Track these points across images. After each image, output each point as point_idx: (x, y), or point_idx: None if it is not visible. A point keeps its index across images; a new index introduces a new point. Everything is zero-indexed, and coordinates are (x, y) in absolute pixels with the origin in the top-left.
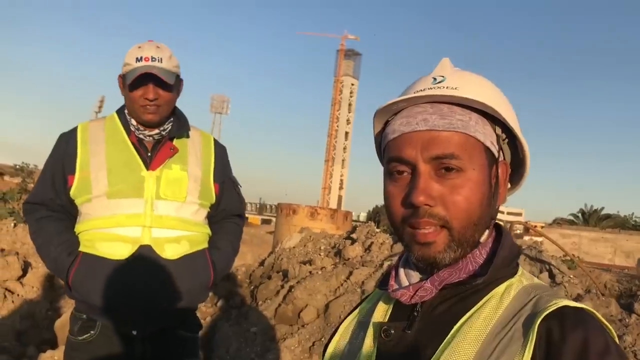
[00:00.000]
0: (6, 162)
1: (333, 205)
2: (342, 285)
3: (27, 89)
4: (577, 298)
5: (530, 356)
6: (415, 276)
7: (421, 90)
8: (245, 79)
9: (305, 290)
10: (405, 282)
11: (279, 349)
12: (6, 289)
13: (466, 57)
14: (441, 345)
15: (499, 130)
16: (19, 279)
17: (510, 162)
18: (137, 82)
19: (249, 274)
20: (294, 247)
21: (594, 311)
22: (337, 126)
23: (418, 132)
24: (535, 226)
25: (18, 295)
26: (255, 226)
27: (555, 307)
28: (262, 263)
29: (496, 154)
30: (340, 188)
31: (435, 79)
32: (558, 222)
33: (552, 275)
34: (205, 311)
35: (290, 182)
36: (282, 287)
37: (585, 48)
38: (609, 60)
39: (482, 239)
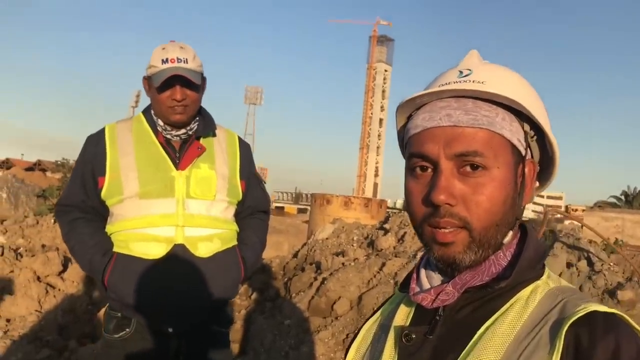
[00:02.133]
0: (49, 159)
1: (369, 192)
2: (375, 276)
3: (66, 85)
4: (617, 287)
5: None
6: (437, 278)
7: (446, 84)
8: (278, 69)
9: (338, 282)
10: (426, 285)
11: (312, 341)
12: (48, 284)
13: (501, 43)
14: (464, 352)
15: (527, 127)
16: (60, 274)
17: (539, 160)
18: (165, 84)
19: (283, 266)
20: (326, 239)
21: (625, 315)
22: (371, 113)
23: (441, 128)
24: (576, 210)
25: (59, 290)
26: (291, 215)
27: (583, 312)
28: (295, 255)
29: (523, 152)
30: (376, 175)
31: (461, 72)
32: (599, 205)
33: (590, 263)
34: (240, 304)
35: (325, 171)
36: (315, 279)
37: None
38: None
39: (506, 240)
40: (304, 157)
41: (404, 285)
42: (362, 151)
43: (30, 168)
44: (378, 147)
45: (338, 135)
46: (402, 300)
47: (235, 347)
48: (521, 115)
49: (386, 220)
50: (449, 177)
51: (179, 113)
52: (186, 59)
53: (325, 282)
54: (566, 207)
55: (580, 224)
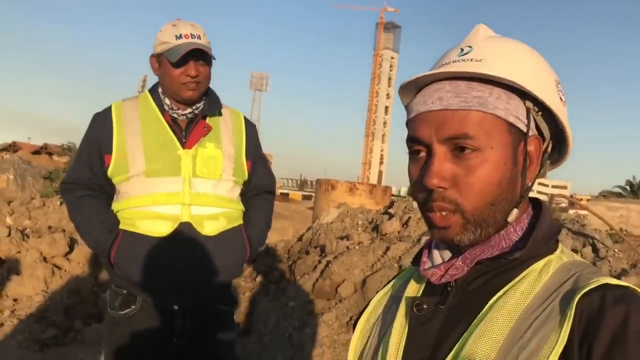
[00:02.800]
0: (55, 142)
1: (373, 180)
2: (379, 260)
3: (73, 70)
4: (622, 273)
5: (568, 333)
6: (448, 253)
7: (445, 64)
8: (284, 55)
9: (343, 266)
10: (438, 260)
11: (316, 323)
12: (54, 264)
13: (510, 26)
14: (475, 320)
15: (529, 104)
16: (66, 255)
17: (552, 135)
18: (182, 59)
19: (288, 249)
20: (331, 223)
21: (638, 289)
22: (377, 101)
23: (433, 112)
24: (581, 199)
25: (65, 270)
26: (296, 202)
27: (595, 285)
28: (300, 238)
29: (524, 129)
30: (381, 163)
31: (462, 49)
32: (604, 195)
33: (595, 250)
34: (245, 286)
35: (331, 158)
36: (320, 262)
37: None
38: None
39: (511, 218)
40: (309, 144)
41: (416, 259)
42: (367, 139)
43: (37, 151)
44: (383, 135)
45: (344, 122)
46: (414, 273)
47: (239, 329)
48: (522, 91)
49: (391, 205)
50: (442, 160)
51: (192, 89)
52: (199, 35)
53: (330, 265)
54: (571, 196)
55: (586, 212)
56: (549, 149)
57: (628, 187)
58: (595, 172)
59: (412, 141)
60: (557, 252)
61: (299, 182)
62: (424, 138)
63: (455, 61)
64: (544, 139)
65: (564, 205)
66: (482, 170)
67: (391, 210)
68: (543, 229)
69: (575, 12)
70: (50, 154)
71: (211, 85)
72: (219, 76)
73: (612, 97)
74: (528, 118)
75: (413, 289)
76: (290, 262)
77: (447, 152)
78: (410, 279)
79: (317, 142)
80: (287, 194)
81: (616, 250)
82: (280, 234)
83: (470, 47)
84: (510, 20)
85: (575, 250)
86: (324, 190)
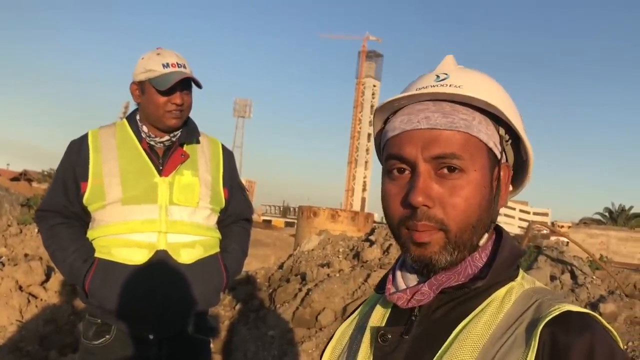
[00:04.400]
0: (35, 169)
1: (356, 207)
2: (359, 287)
3: (54, 97)
4: (600, 299)
5: None
6: (413, 279)
7: (424, 88)
8: (267, 83)
9: (323, 293)
10: (402, 286)
11: (296, 352)
12: (30, 293)
13: (490, 59)
14: (439, 351)
15: (502, 131)
16: (42, 283)
17: (513, 164)
18: (172, 87)
19: (268, 277)
20: (312, 250)
21: (597, 315)
22: (360, 128)
23: (419, 131)
24: (562, 226)
25: (41, 299)
26: (278, 229)
27: (558, 312)
28: (281, 266)
29: (499, 156)
30: (364, 190)
31: (438, 76)
32: (585, 222)
33: (574, 276)
34: (224, 315)
35: (313, 185)
36: (300, 290)
37: (619, 37)
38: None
39: (482, 242)
40: (292, 170)
41: (380, 286)
42: (350, 165)
43: (16, 178)
44: (366, 162)
45: (327, 149)
46: (379, 301)
47: (218, 358)
48: (496, 119)
49: (372, 232)
50: (427, 179)
51: (176, 117)
52: (184, 65)
53: (310, 293)
54: (552, 223)
55: (566, 240)
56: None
57: (607, 214)
58: (576, 200)
59: (396, 158)
60: (518, 278)
61: (281, 209)
62: (409, 156)
63: (434, 85)
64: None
65: (545, 232)
66: (467, 190)
67: (372, 237)
68: (504, 255)
69: (554, 35)
70: (29, 180)
71: (194, 111)
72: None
73: (593, 127)
74: (502, 145)
75: (377, 318)
76: (271, 290)
77: (431, 171)
78: (375, 306)
79: (300, 169)
80: (270, 221)
81: (594, 277)
82: (261, 261)
83: (446, 74)
84: (493, 48)
85: (554, 277)
86: (306, 217)
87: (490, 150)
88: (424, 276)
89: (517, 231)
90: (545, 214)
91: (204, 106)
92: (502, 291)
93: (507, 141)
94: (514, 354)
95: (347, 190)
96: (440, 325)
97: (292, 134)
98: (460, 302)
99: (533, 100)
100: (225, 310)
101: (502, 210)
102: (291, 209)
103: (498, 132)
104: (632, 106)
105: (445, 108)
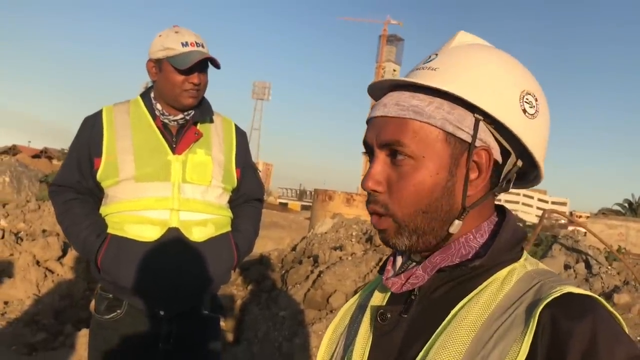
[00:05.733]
0: (55, 146)
1: None
2: (371, 271)
3: (74, 75)
4: (614, 290)
5: (529, 343)
6: (410, 261)
7: (411, 71)
8: (286, 65)
9: (335, 276)
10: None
11: (306, 333)
12: (47, 268)
13: (511, 40)
14: (437, 330)
15: (478, 115)
16: (59, 259)
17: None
18: (191, 67)
19: (281, 259)
20: (325, 233)
21: (600, 298)
22: None
23: (376, 118)
24: (580, 216)
25: (57, 274)
26: (295, 212)
27: (558, 294)
28: (294, 248)
29: (469, 140)
30: None
31: (430, 57)
32: (604, 213)
33: (588, 266)
34: (237, 294)
35: (331, 168)
36: (312, 272)
37: None
38: None
39: (452, 229)
40: (309, 154)
41: (383, 268)
42: None
43: (37, 155)
44: None
45: (344, 133)
46: (380, 282)
47: (229, 337)
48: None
49: None
50: (382, 164)
51: (193, 97)
52: (202, 44)
53: (322, 275)
54: (570, 213)
55: (584, 230)
56: (518, 163)
57: (627, 205)
58: (595, 190)
59: (363, 144)
60: (522, 260)
61: (298, 192)
62: (369, 142)
63: (418, 69)
64: (508, 152)
65: (563, 221)
66: (413, 177)
67: None
68: (506, 236)
69: (584, 22)
70: (50, 158)
71: (212, 93)
72: (221, 84)
73: (614, 116)
74: (475, 129)
75: (379, 298)
76: (283, 272)
77: (387, 157)
78: (377, 286)
79: (318, 152)
80: (286, 204)
81: (610, 268)
82: (276, 243)
83: (436, 54)
84: (513, 30)
85: (568, 266)
86: (321, 200)
87: (450, 134)
88: (417, 259)
89: (535, 220)
90: (564, 204)
91: (223, 88)
92: (503, 272)
93: (489, 124)
94: (512, 334)
95: (363, 175)
96: (439, 305)
97: (310, 118)
98: (460, 282)
99: (557, 86)
100: (238, 290)
101: (520, 199)
102: (307, 193)
103: (474, 116)
104: None
105: (403, 95)
